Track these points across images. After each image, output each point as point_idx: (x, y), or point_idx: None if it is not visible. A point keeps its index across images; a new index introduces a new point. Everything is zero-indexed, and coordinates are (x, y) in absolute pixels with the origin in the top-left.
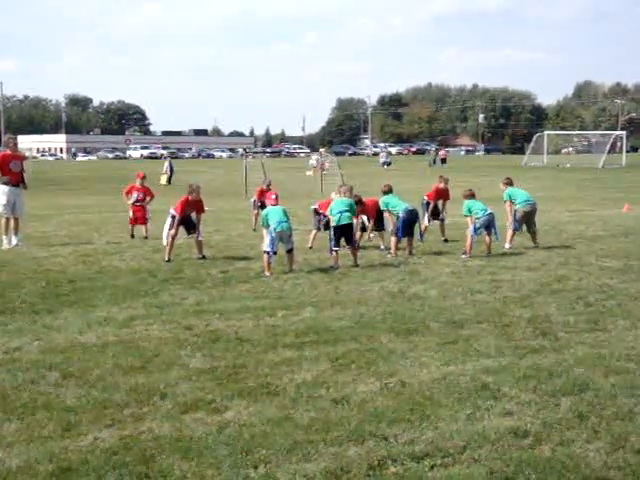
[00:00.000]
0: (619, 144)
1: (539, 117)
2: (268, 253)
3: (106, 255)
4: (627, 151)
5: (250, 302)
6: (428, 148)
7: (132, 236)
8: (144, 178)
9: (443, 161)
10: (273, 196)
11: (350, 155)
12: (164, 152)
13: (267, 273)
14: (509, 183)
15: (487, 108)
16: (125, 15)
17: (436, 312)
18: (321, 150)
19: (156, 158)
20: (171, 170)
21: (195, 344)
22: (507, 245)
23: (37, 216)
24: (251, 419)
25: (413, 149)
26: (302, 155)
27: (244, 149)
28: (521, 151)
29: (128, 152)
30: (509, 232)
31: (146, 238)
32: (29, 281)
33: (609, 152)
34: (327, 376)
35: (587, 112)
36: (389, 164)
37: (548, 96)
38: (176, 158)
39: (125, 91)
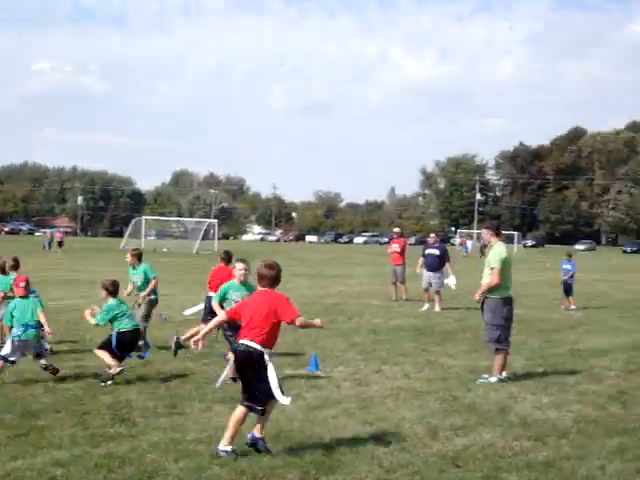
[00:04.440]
0: (212, 231)
1: (138, 202)
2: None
3: None
4: (219, 238)
5: None
6: (22, 228)
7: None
8: None
9: (60, 244)
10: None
11: None
12: None
13: None
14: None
15: (86, 190)
16: None
17: (11, 403)
18: None
19: None
20: None
21: None
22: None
23: None
24: None
25: (6, 229)
26: None
27: None
28: (120, 234)
29: None
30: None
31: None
32: None
33: (203, 238)
34: None
35: (184, 199)
36: None
37: (147, 181)
38: None
39: None
